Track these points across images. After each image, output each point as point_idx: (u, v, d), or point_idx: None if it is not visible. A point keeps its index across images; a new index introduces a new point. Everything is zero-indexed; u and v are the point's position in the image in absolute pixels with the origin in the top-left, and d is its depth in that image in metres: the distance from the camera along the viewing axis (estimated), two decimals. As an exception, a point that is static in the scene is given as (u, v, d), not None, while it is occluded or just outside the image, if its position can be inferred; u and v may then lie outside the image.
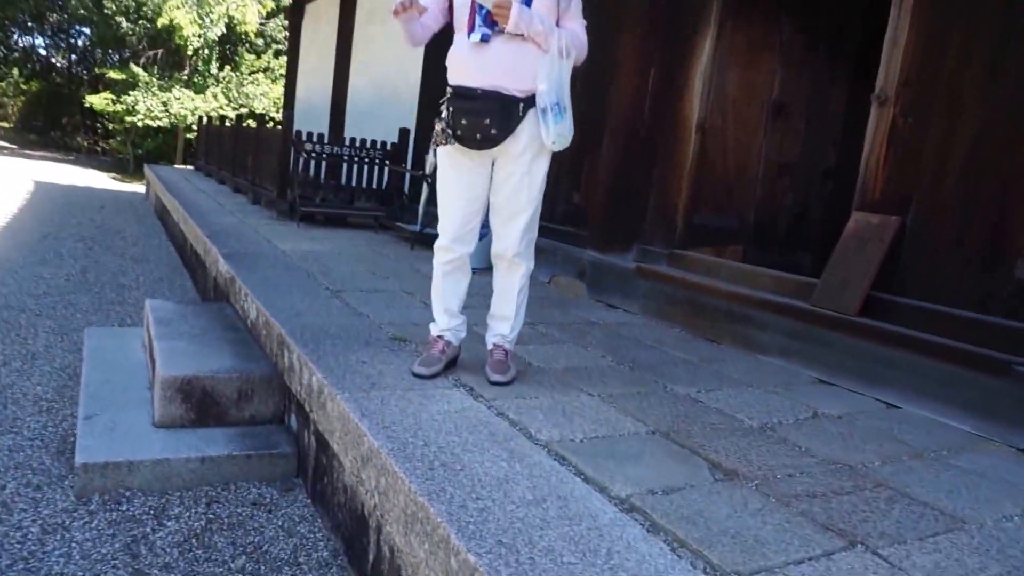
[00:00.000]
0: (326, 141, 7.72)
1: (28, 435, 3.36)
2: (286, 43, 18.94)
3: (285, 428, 3.17)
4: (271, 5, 25.17)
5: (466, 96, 2.55)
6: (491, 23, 2.48)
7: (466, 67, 2.55)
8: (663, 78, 4.68)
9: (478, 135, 2.54)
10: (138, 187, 18.37)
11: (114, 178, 21.92)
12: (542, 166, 2.65)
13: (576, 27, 2.64)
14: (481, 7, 2.48)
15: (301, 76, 13.06)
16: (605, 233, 4.86)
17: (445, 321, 2.78)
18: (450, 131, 2.58)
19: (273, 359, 3.27)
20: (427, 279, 2.95)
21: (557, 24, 2.57)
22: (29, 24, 31.35)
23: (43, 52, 33.40)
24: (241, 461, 2.90)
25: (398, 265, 5.34)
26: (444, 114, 2.61)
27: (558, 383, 2.83)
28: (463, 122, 2.54)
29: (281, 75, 22.88)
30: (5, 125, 36.93)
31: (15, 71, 33.69)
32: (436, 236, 2.78)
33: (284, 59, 22.12)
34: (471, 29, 2.51)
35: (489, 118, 2.51)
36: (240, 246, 5.25)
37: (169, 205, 9.32)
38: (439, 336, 2.78)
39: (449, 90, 2.62)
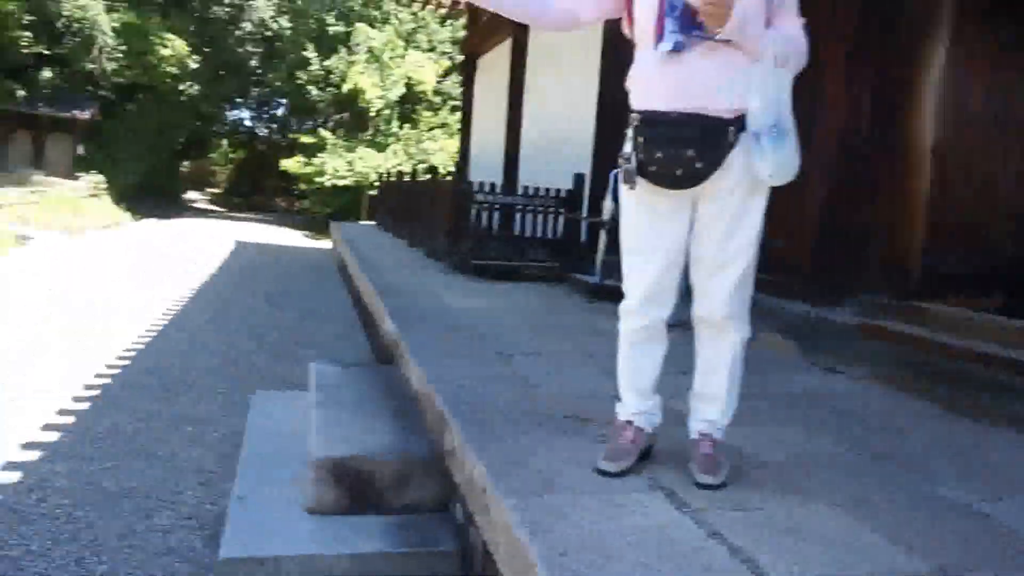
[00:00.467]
0: (498, 191, 7.47)
1: (185, 513, 3.16)
2: (461, 98, 19.46)
3: (449, 518, 2.73)
4: (447, 63, 26.18)
5: (659, 122, 2.01)
6: (688, 26, 1.94)
7: (656, 86, 2.02)
8: (882, 94, 3.92)
9: (677, 170, 1.99)
10: (326, 244, 19.36)
11: (305, 236, 23.36)
12: (758, 205, 2.05)
13: (792, 27, 2.03)
14: (673, 7, 1.95)
15: (474, 128, 13.16)
16: (817, 282, 4.12)
17: (635, 403, 2.22)
18: (639, 168, 2.06)
19: (434, 437, 2.86)
20: (607, 339, 2.42)
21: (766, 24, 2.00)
22: (237, 100, 34.83)
23: (248, 124, 36.96)
24: (397, 560, 2.50)
25: (575, 322, 4.85)
26: (630, 148, 2.09)
27: (784, 484, 2.19)
28: (657, 155, 2.01)
29: (457, 130, 23.57)
30: (216, 191, 41.13)
31: (224, 142, 37.50)
32: (616, 289, 2.25)
33: (459, 114, 22.82)
34: (659, 38, 1.99)
35: (691, 148, 1.96)
36: (407, 302, 5.00)
37: (348, 260, 9.48)
38: (628, 421, 2.22)
39: (635, 117, 2.09)
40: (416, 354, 3.44)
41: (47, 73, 24.69)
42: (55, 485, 3.32)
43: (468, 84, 13.81)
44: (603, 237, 5.60)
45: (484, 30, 12.39)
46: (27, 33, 22.29)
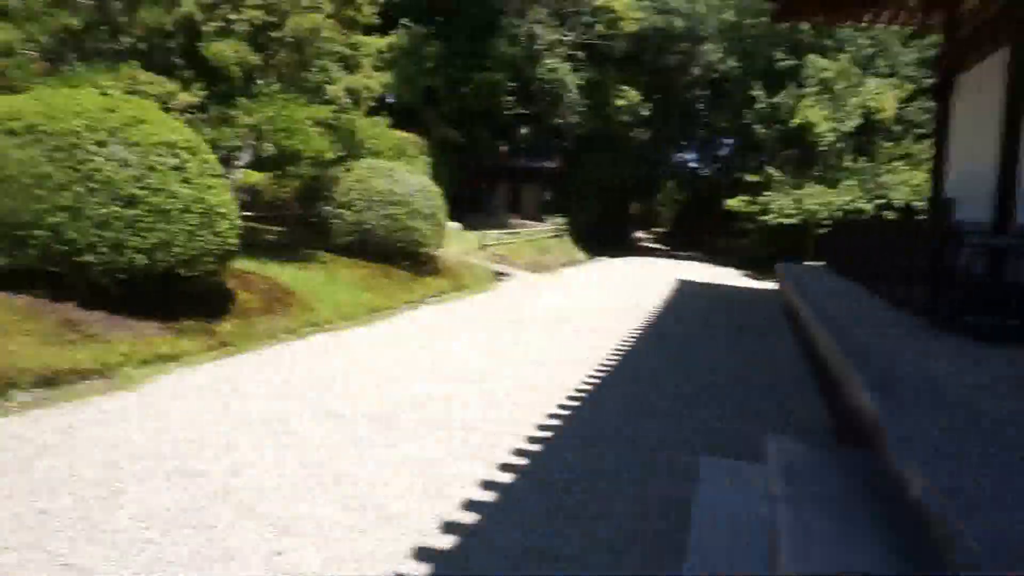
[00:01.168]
0: (995, 231, 6.12)
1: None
2: (930, 125, 17.15)
3: None
4: (911, 88, 23.48)
5: None
6: None
7: None
8: None
9: None
10: (768, 284, 18.59)
11: (745, 275, 22.82)
12: None
13: None
14: None
15: (951, 157, 11.31)
16: None
17: None
18: None
19: (952, 572, 2.16)
20: None
21: None
22: (682, 143, 35.98)
23: (692, 165, 37.86)
24: None
25: None
26: None
27: None
28: None
29: (923, 159, 20.92)
30: (659, 230, 43.02)
31: (668, 184, 39.02)
32: None
33: (927, 143, 20.13)
34: None
35: None
36: (883, 371, 4.19)
37: (798, 306, 8.75)
38: None
39: None
40: (911, 449, 2.74)
41: (523, 130, 28.58)
42: (497, 542, 3.29)
43: (943, 108, 11.94)
44: None
45: (967, 43, 10.58)
46: (510, 97, 25.92)
